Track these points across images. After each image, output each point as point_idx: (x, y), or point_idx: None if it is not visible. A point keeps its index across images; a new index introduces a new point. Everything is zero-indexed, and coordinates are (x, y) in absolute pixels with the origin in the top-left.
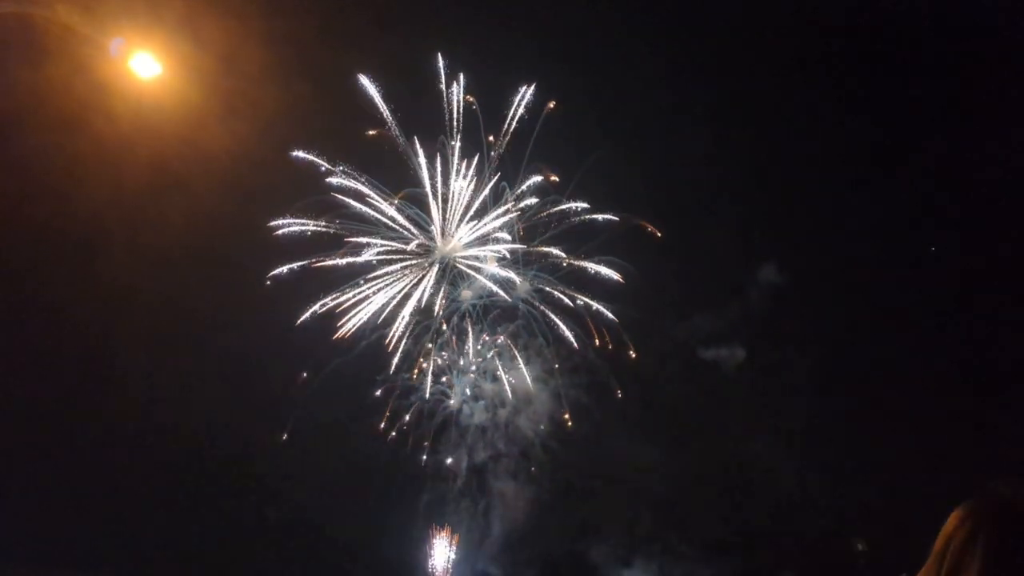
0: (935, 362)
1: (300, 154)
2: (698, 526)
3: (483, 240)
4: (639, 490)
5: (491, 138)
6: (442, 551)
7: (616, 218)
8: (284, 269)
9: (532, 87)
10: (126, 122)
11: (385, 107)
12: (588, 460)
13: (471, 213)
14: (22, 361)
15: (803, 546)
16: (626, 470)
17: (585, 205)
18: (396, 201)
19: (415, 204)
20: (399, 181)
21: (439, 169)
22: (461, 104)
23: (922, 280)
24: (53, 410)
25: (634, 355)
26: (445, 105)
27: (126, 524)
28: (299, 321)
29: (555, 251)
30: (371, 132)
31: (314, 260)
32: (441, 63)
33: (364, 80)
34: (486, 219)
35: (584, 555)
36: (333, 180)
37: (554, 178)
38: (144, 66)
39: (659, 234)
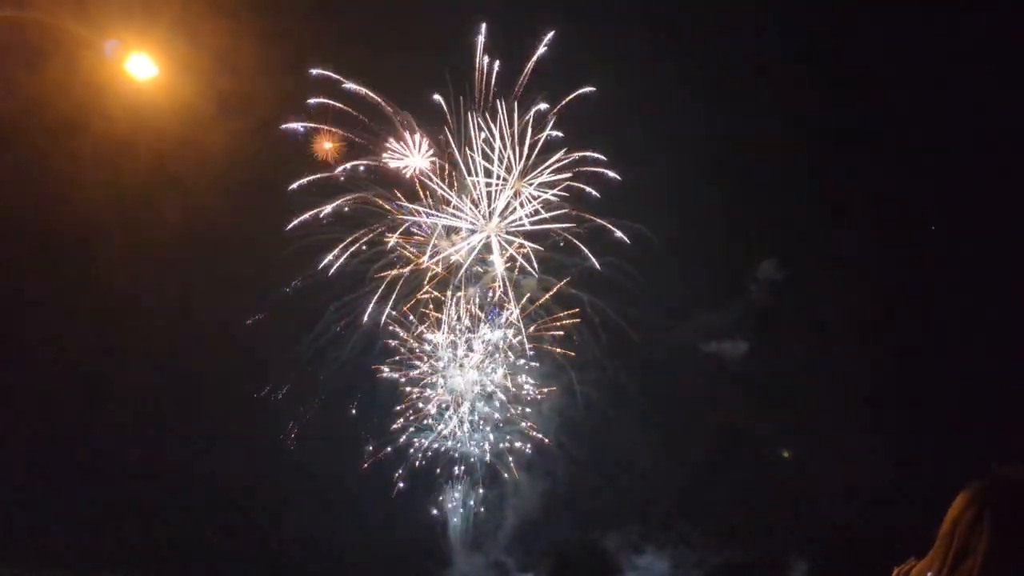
0: (939, 346)
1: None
2: (710, 514)
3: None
4: (651, 480)
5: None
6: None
7: (637, 227)
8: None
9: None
10: (123, 123)
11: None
12: (600, 451)
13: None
14: (19, 364)
15: (814, 533)
16: (638, 460)
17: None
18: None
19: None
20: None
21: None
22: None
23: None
24: (51, 413)
25: (640, 350)
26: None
27: (125, 529)
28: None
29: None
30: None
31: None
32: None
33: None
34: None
35: (597, 543)
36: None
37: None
38: (140, 67)
39: (655, 240)
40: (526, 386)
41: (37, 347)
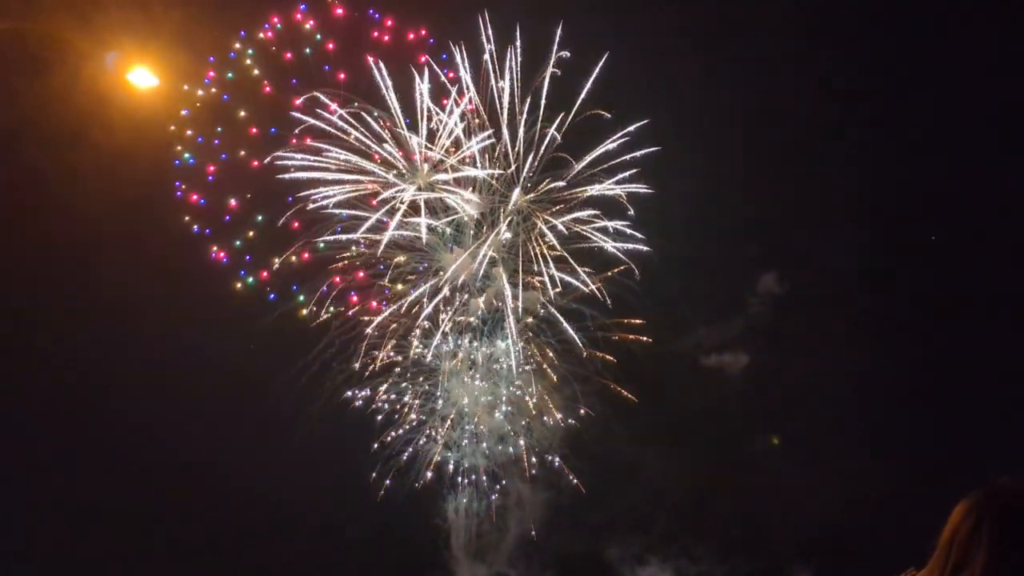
0: (938, 359)
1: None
2: (713, 526)
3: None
4: (654, 492)
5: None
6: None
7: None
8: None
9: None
10: (124, 134)
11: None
12: (603, 463)
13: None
14: (18, 371)
15: (815, 544)
16: (640, 473)
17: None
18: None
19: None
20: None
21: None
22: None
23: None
24: (49, 420)
25: (642, 363)
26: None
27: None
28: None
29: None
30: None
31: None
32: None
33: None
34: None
35: (600, 555)
36: None
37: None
38: (141, 78)
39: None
40: (530, 399)
41: (39, 349)
